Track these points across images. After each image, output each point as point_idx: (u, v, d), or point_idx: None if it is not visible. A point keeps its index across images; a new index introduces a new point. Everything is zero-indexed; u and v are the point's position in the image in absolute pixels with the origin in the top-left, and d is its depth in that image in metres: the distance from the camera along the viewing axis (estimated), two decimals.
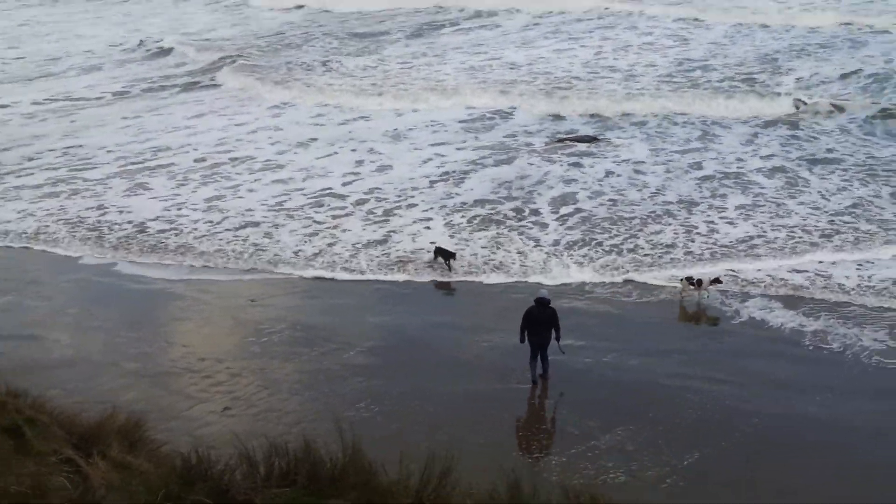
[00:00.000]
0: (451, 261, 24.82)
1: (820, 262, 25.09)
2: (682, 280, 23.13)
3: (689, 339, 21.30)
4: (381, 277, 25.04)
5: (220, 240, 28.18)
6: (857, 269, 24.52)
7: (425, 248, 26.43)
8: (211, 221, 29.81)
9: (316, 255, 26.69)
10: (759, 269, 24.63)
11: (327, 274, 25.40)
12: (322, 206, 30.93)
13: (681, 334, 21.67)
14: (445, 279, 24.73)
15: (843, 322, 21.38)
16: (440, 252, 25.24)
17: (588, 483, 14.46)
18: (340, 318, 22.51)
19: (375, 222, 29.18)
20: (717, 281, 22.79)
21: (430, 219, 29.27)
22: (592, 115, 40.45)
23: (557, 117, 40.62)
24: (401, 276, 25.03)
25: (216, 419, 17.36)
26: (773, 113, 39.42)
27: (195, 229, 29.13)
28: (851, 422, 17.04)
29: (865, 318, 21.64)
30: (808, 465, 15.52)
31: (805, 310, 22.04)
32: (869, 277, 23.81)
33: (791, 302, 22.53)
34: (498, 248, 26.49)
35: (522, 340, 18.66)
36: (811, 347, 20.31)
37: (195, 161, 36.50)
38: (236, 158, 36.67)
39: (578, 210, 29.72)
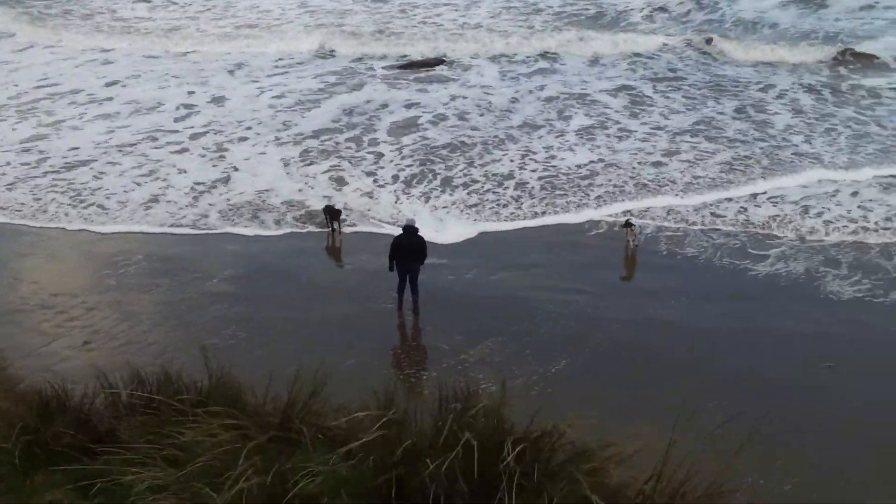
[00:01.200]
0: (338, 221, 22.90)
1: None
2: (624, 227, 22.22)
3: (546, 253, 21.68)
4: (230, 230, 23.50)
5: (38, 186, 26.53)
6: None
7: (271, 190, 25.41)
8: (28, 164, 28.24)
9: (149, 204, 25.06)
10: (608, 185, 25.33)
11: (168, 230, 23.62)
12: (156, 141, 29.89)
13: (537, 249, 22.01)
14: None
15: (695, 232, 22.25)
16: (329, 211, 23.22)
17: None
18: (199, 248, 22.00)
19: (212, 160, 28.20)
20: (628, 224, 22.29)
21: (263, 153, 28.42)
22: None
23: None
24: (250, 229, 23.48)
25: (76, 354, 16.78)
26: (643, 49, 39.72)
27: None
28: (704, 324, 17.80)
29: (716, 232, 22.59)
30: (665, 367, 16.14)
31: (659, 223, 22.83)
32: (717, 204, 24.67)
33: (645, 215, 23.30)
34: (340, 186, 25.90)
35: (392, 269, 18.47)
36: (665, 253, 21.07)
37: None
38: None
39: (422, 139, 29.47)
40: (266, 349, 16.61)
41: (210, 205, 24.56)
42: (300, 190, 25.33)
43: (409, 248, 18.24)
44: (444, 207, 24.02)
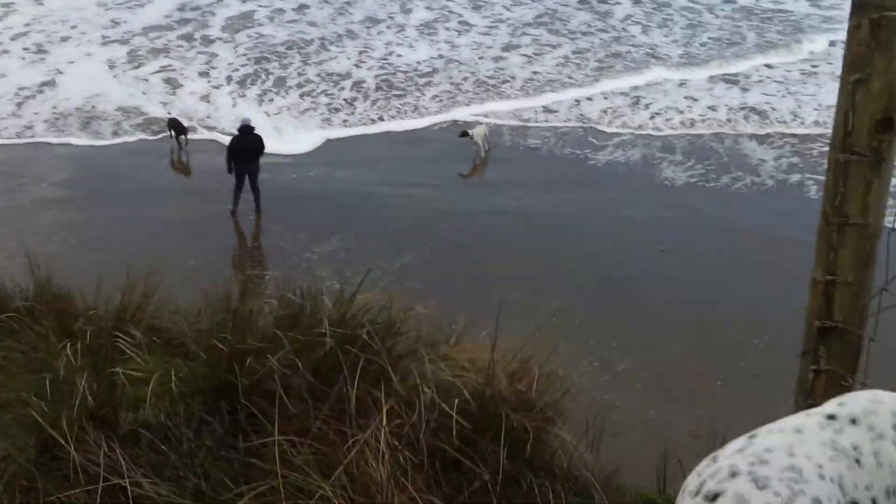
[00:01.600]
0: (184, 136, 21.48)
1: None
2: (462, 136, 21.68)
3: (391, 148, 21.55)
4: (61, 140, 22.14)
5: None
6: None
7: (101, 95, 23.85)
8: None
9: None
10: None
11: None
12: None
13: (382, 144, 21.84)
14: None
15: (535, 128, 22.55)
16: (174, 125, 21.63)
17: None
18: (24, 153, 20.74)
19: (33, 62, 26.28)
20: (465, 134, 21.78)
21: (89, 54, 26.71)
22: None
23: None
24: (83, 139, 22.16)
25: None
26: None
27: None
28: (547, 213, 18.15)
29: (554, 127, 22.95)
30: (510, 256, 16.37)
31: (501, 121, 23.00)
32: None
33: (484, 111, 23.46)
34: (173, 89, 24.70)
35: (230, 171, 17.88)
36: (509, 146, 21.29)
37: None
38: None
39: (258, 35, 28.43)
40: (101, 254, 15.88)
41: (35, 113, 22.98)
42: (131, 95, 24.01)
43: (246, 148, 17.77)
44: (278, 113, 23.34)
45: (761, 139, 22.09)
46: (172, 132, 21.44)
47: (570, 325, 12.05)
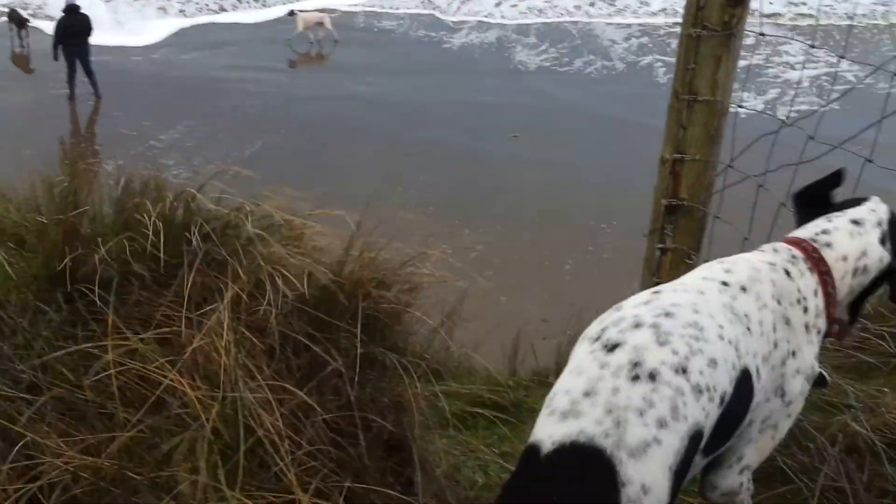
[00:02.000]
0: (24, 29, 19.96)
1: None
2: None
3: (239, 31, 20.81)
4: None
5: None
6: None
7: None
8: None
9: None
10: None
11: None
12: None
13: (229, 28, 21.06)
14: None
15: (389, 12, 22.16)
16: (14, 17, 20.10)
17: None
18: None
19: None
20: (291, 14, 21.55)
21: None
22: None
23: None
24: None
25: None
26: None
27: None
28: (401, 98, 18.00)
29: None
30: (363, 141, 16.19)
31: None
32: None
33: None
34: None
35: (56, 57, 16.83)
36: (362, 28, 20.88)
37: None
38: None
39: None
40: None
41: None
42: None
43: (75, 29, 16.72)
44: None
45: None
46: (12, 24, 20.05)
47: (423, 211, 12.10)
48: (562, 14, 22.71)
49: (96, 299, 3.20)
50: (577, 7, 23.04)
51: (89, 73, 17.07)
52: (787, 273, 2.47)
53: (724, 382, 2.12)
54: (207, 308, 3.06)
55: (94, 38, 17.22)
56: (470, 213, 13.62)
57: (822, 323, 2.49)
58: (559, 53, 20.50)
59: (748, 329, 2.28)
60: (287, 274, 3.51)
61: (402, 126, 16.89)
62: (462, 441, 3.65)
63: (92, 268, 3.29)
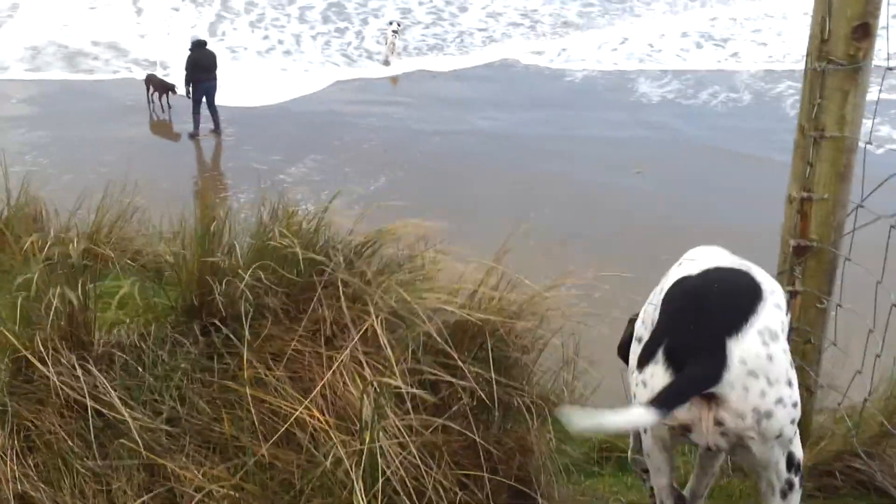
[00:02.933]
0: (168, 96, 18.89)
1: None
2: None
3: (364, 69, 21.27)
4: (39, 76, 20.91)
5: None
6: None
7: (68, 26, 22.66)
8: None
9: None
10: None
11: None
12: None
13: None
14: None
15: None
16: (154, 81, 19.06)
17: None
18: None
19: None
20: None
21: None
22: None
23: None
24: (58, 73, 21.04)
25: None
26: None
27: None
28: (522, 132, 18.01)
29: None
30: (484, 175, 16.23)
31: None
32: None
33: None
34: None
35: (189, 94, 17.46)
36: (483, 65, 21.11)
37: None
38: None
39: None
40: (73, 174, 15.67)
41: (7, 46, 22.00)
42: (101, 25, 23.05)
43: (204, 63, 17.33)
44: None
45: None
46: (151, 88, 19.13)
47: (548, 248, 12.01)
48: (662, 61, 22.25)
49: (230, 334, 3.28)
50: (685, 50, 22.51)
51: (213, 108, 17.69)
52: None
53: None
54: (339, 343, 3.09)
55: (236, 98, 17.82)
56: (594, 249, 13.46)
57: None
58: (683, 85, 20.20)
59: None
60: (416, 308, 3.53)
61: (525, 160, 16.88)
62: (588, 489, 3.58)
63: (227, 300, 3.38)
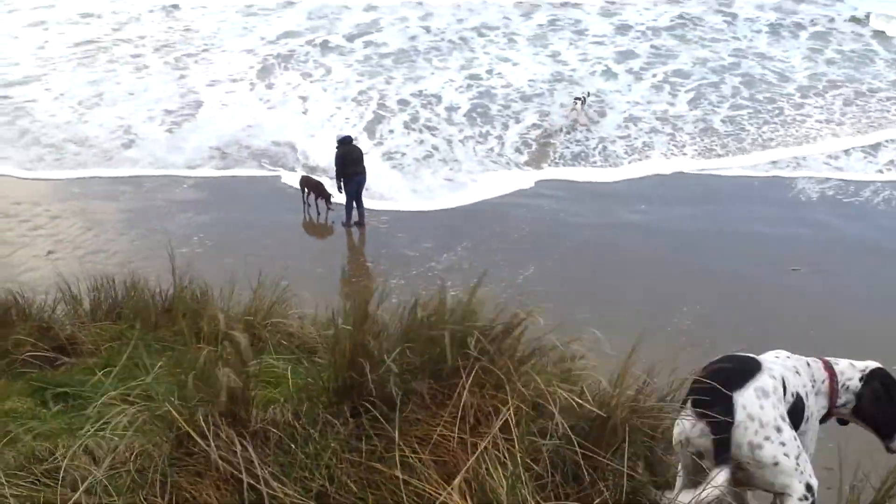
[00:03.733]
0: (325, 198, 18.71)
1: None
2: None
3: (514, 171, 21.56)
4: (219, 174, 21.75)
5: None
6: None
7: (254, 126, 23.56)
8: None
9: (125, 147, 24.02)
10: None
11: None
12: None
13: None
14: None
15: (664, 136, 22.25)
16: (309, 184, 18.97)
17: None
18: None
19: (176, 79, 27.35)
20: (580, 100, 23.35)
21: (234, 87, 26.65)
22: None
23: None
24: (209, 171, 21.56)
25: (41, 263, 16.56)
26: None
27: None
28: (673, 227, 17.83)
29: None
30: (635, 270, 16.14)
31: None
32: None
33: None
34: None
35: (341, 189, 18.05)
36: (628, 161, 21.15)
37: None
38: None
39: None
40: (233, 257, 16.41)
41: (191, 145, 22.89)
42: (273, 125, 23.95)
43: (354, 158, 17.92)
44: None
45: None
46: (306, 190, 18.93)
47: (700, 344, 11.77)
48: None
49: (379, 416, 3.39)
50: (834, 158, 21.74)
51: (360, 201, 18.19)
52: None
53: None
54: (484, 430, 3.15)
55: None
56: (747, 347, 13.09)
57: None
58: (843, 182, 19.60)
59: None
60: (558, 399, 3.55)
61: (676, 255, 16.69)
62: None
63: (377, 383, 3.50)
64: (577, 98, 23.39)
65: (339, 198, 18.22)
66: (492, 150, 21.95)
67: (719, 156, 21.31)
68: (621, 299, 14.58)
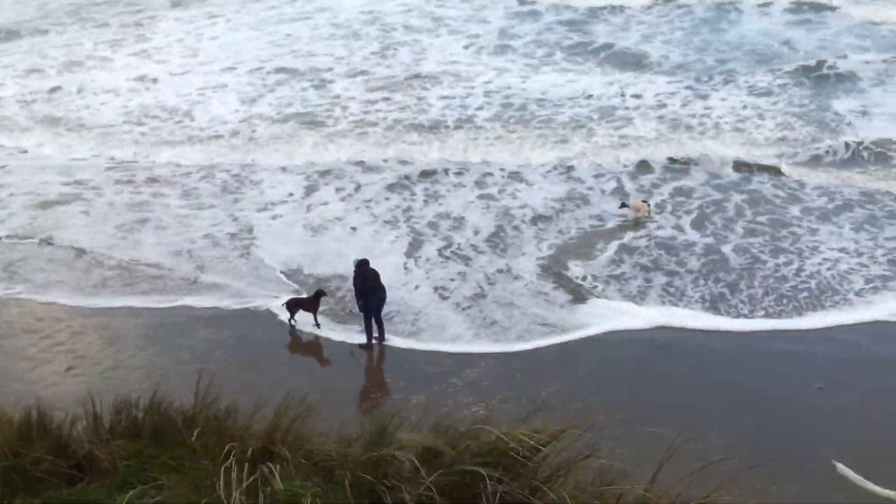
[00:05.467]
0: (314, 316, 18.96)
1: None
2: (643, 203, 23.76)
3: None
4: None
5: None
6: None
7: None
8: None
9: None
10: None
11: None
12: None
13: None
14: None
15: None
16: (306, 304, 18.95)
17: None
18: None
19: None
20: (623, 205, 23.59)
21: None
22: None
23: None
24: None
25: (60, 379, 16.63)
26: None
27: None
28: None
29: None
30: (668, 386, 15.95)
31: None
32: None
33: None
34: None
35: (362, 309, 18.17)
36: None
37: None
38: None
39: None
40: (254, 374, 16.43)
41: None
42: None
43: (371, 277, 18.08)
44: None
45: None
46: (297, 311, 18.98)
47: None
48: None
49: None
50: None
51: (380, 323, 18.25)
52: None
53: None
54: None
55: None
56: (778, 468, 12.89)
57: None
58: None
59: None
60: None
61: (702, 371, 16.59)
62: None
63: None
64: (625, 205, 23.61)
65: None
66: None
67: None
68: (644, 420, 14.34)
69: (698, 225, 22.96)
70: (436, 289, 20.22)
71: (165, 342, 18.14)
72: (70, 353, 17.74)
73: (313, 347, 18.37)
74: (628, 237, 22.45)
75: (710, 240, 22.13)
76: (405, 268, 21.15)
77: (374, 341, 18.11)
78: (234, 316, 19.35)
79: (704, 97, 32.72)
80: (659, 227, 22.93)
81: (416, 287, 20.15)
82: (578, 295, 19.62)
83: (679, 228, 22.85)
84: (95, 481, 6.21)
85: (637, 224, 23.15)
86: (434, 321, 18.90)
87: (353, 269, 18.38)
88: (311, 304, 18.92)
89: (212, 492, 3.91)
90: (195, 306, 19.77)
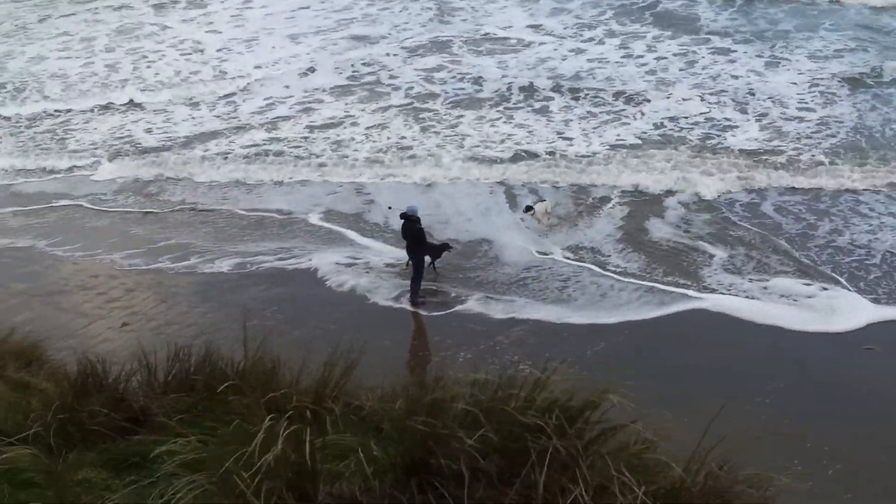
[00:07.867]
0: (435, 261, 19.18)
1: None
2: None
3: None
4: None
5: None
6: None
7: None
8: None
9: None
10: None
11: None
12: None
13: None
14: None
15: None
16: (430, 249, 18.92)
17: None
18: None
19: None
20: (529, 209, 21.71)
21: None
22: None
23: None
24: None
25: (115, 335, 16.95)
26: None
27: None
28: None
29: None
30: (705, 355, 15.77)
31: None
32: None
33: None
34: None
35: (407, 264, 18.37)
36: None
37: None
38: None
39: None
40: (303, 330, 16.58)
41: None
42: None
43: (406, 234, 18.10)
44: None
45: None
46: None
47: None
48: None
49: (446, 493, 3.36)
50: None
51: (414, 279, 18.11)
52: None
53: None
54: None
55: None
56: (822, 426, 12.66)
57: None
58: None
59: None
60: (627, 479, 3.49)
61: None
62: None
63: (446, 461, 3.48)
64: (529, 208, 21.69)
65: None
66: None
67: None
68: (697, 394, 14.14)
69: None
70: None
71: (217, 299, 18.35)
72: (124, 309, 18.04)
73: (361, 301, 18.39)
74: None
75: None
76: None
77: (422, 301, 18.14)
78: (283, 275, 19.51)
79: None
80: None
81: None
82: None
83: None
84: (150, 434, 6.32)
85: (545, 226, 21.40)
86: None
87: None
88: (435, 251, 19.00)
89: (258, 443, 3.95)
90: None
